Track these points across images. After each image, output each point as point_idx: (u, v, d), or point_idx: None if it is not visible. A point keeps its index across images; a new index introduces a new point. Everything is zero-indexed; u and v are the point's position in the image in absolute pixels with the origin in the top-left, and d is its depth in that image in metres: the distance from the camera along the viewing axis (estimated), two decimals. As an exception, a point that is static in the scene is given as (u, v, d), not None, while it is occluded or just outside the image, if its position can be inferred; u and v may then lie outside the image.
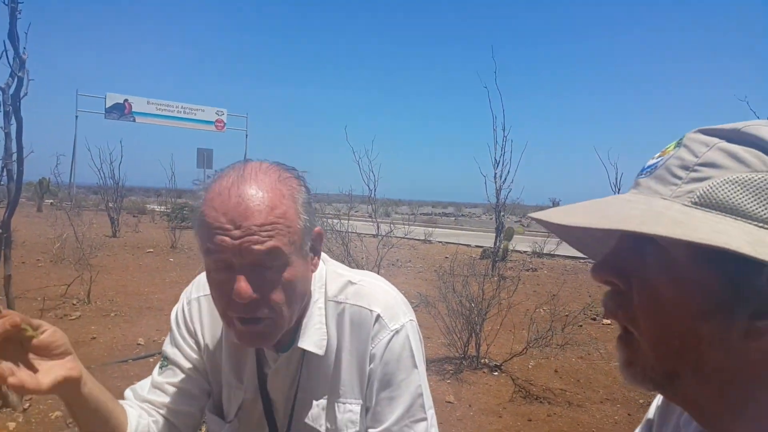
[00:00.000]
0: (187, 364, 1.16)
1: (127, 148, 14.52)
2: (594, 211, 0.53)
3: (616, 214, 0.50)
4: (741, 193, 0.47)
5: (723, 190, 0.48)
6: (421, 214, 36.57)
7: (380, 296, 1.12)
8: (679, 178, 0.50)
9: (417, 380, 1.11)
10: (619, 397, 3.76)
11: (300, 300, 1.03)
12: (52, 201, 23.07)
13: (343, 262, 1.20)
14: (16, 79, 3.14)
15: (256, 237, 0.90)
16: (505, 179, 10.09)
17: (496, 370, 4.16)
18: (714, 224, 0.46)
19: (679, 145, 0.53)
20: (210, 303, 1.14)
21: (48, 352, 0.84)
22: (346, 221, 10.77)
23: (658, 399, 0.71)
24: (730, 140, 0.50)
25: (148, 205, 24.31)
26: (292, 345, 1.07)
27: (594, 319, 5.97)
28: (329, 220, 10.93)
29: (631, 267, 0.53)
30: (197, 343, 1.16)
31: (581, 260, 11.96)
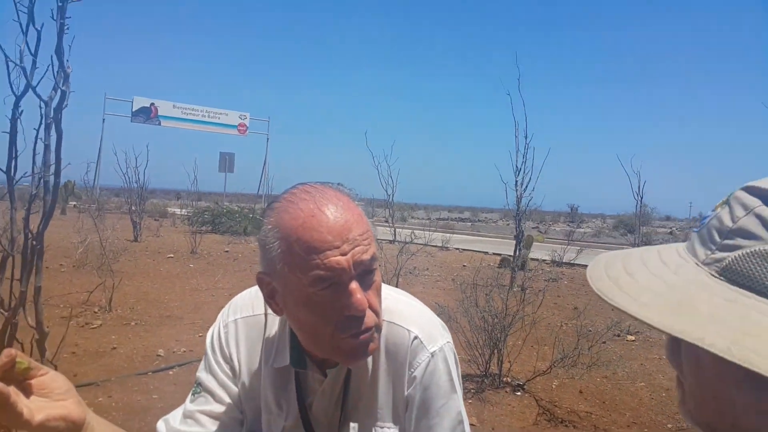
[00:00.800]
0: (220, 392, 1.13)
1: (151, 151, 14.70)
2: (625, 280, 0.52)
3: (637, 288, 0.50)
4: (762, 268, 0.44)
5: (746, 263, 0.45)
6: (437, 219, 36.46)
7: (416, 316, 1.10)
8: (714, 243, 0.49)
9: (457, 406, 1.09)
10: (646, 421, 3.67)
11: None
12: (75, 203, 23.42)
13: None
14: (59, 92, 3.17)
15: (361, 247, 0.93)
16: (526, 187, 9.99)
17: (519, 390, 4.08)
18: (718, 306, 0.45)
19: (726, 202, 0.51)
20: (247, 326, 1.13)
21: (49, 393, 0.83)
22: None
23: None
24: None
25: (169, 208, 24.55)
26: (338, 363, 1.06)
27: (618, 335, 5.86)
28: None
29: None
30: (232, 369, 1.14)
31: (602, 271, 11.76)
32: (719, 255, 0.48)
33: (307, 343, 1.02)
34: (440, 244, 14.65)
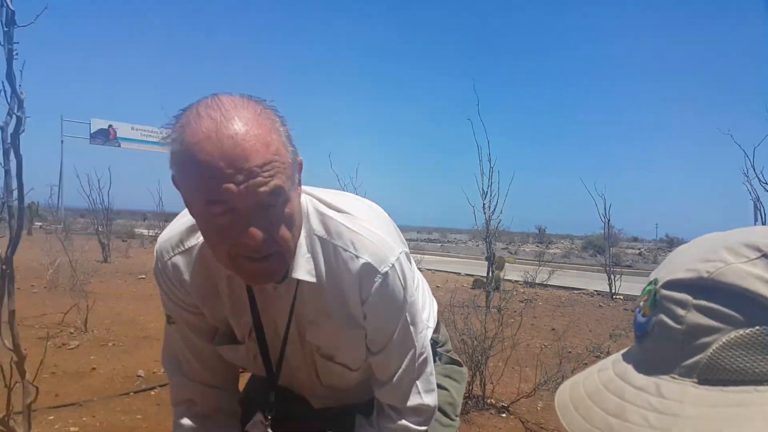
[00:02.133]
0: (188, 315, 1.21)
1: (114, 173, 14.49)
2: (621, 426, 0.47)
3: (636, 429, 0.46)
4: (744, 357, 0.43)
5: (723, 358, 0.44)
6: (407, 239, 36.48)
7: (366, 239, 1.10)
8: (676, 352, 0.47)
9: (407, 317, 1.16)
10: (629, 440, 3.73)
11: (299, 232, 1.06)
12: (41, 224, 22.78)
13: None
14: (14, 118, 3.13)
15: (259, 179, 0.88)
16: (494, 210, 10.14)
17: (504, 412, 4.13)
18: (735, 411, 0.42)
19: (656, 304, 0.50)
20: (186, 258, 1.17)
21: None
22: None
23: None
24: (702, 294, 0.46)
25: (136, 229, 24.06)
26: (286, 277, 1.09)
27: (598, 357, 5.97)
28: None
29: None
30: (186, 295, 1.19)
31: (575, 291, 12.00)
32: (690, 362, 0.46)
33: (214, 255, 1.02)
34: (413, 266, 14.67)
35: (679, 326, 0.46)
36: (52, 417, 3.40)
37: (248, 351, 1.24)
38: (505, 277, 11.34)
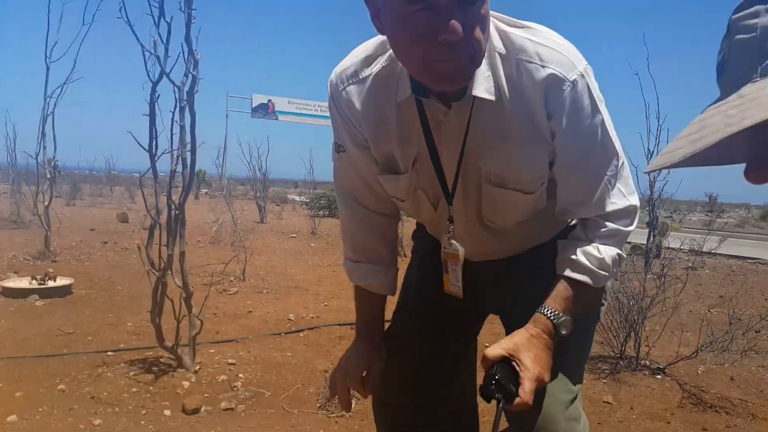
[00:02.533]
0: (356, 146, 1.24)
1: (271, 143, 15.68)
2: (696, 133, 0.46)
3: (722, 119, 0.44)
4: None
5: None
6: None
7: (551, 50, 1.06)
8: (753, 59, 0.45)
9: (602, 123, 1.10)
10: (817, 416, 3.23)
11: (487, 39, 1.02)
12: (206, 190, 25.35)
13: None
14: (190, 77, 3.38)
15: None
16: (660, 171, 9.26)
17: (659, 373, 3.78)
18: None
19: (729, 31, 0.49)
20: (359, 88, 1.18)
21: None
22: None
23: None
24: None
25: (288, 195, 25.84)
26: (464, 94, 1.07)
27: (773, 324, 5.24)
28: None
29: None
30: (356, 126, 1.21)
31: (749, 261, 10.73)
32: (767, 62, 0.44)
33: (404, 63, 1.04)
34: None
35: (753, 34, 0.45)
36: (212, 350, 3.73)
37: (410, 182, 1.23)
38: (667, 246, 10.40)
